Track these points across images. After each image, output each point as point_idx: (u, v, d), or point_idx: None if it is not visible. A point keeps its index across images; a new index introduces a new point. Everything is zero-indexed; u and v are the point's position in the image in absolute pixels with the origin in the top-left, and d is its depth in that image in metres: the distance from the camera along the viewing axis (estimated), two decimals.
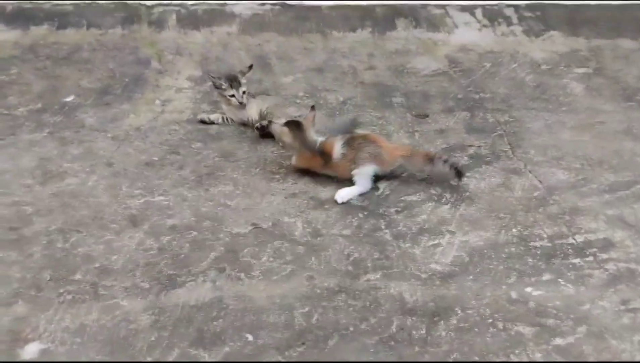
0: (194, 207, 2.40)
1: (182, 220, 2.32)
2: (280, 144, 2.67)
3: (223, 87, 2.89)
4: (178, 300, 1.95)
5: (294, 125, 2.51)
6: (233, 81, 2.89)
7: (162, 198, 2.45)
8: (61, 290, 1.98)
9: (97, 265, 2.09)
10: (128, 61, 3.57)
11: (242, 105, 2.89)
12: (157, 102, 3.18)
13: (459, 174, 2.49)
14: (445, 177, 2.52)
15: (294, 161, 2.60)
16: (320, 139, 2.53)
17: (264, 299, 1.96)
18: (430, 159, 2.50)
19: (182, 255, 2.15)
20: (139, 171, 2.62)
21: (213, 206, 2.41)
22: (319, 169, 2.56)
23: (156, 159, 2.71)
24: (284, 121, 2.62)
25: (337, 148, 2.49)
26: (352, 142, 2.50)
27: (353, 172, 2.48)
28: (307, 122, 2.53)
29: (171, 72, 3.48)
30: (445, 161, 2.49)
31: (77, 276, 2.04)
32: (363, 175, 2.47)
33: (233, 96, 2.88)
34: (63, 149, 2.76)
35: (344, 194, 2.44)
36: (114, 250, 2.16)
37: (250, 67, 3.01)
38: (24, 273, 2.04)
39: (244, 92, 2.89)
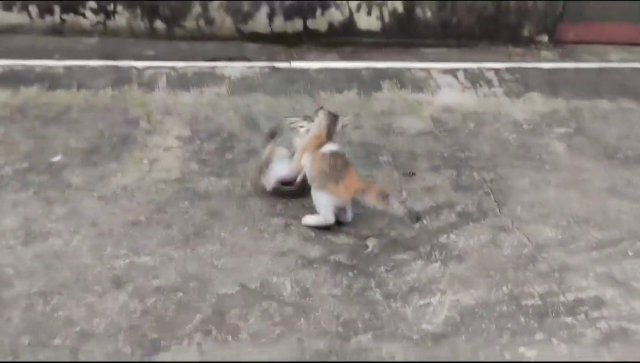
0: (180, 267, 2.35)
1: (167, 281, 2.27)
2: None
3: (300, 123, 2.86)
4: None
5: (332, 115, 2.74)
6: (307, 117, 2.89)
7: (147, 258, 2.40)
8: (40, 356, 1.90)
9: (77, 329, 2.01)
10: (117, 121, 3.59)
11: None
12: (145, 161, 3.18)
13: (417, 218, 2.53)
14: (400, 219, 2.52)
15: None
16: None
17: None
18: (384, 196, 2.47)
19: (167, 318, 2.08)
20: (125, 230, 2.58)
21: (200, 266, 2.37)
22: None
23: (142, 218, 2.68)
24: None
25: (328, 147, 2.62)
26: (336, 156, 2.60)
27: (312, 191, 2.59)
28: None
29: (160, 131, 3.50)
30: (402, 203, 2.52)
31: (57, 341, 1.96)
32: (321, 206, 2.57)
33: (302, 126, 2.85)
34: (47, 209, 2.73)
35: (308, 219, 2.61)
36: (96, 313, 2.09)
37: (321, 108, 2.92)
38: (2, 338, 1.96)
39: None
